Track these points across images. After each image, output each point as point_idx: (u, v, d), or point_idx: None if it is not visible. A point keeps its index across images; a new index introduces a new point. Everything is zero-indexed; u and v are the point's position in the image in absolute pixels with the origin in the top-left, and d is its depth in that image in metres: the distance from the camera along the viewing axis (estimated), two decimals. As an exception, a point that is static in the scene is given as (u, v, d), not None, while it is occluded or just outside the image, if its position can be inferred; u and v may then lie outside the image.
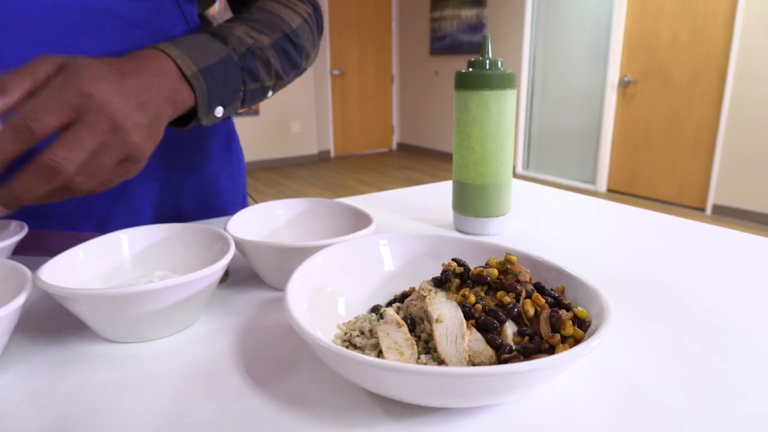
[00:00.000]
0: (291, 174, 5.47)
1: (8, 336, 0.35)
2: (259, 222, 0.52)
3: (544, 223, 0.65)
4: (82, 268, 0.41)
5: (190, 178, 0.66)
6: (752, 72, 3.57)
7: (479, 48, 5.50)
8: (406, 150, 6.74)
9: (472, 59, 0.58)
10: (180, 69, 0.45)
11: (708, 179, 3.96)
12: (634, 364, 0.35)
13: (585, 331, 0.31)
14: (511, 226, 0.64)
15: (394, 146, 6.90)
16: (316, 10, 0.66)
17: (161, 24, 0.56)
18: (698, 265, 0.52)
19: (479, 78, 0.56)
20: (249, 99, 0.54)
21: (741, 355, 0.36)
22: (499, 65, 0.57)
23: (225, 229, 0.46)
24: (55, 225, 0.55)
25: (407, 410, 0.30)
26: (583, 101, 4.70)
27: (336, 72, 6.18)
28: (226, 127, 0.70)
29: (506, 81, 0.57)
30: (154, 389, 0.33)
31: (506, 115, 0.57)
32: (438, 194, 0.80)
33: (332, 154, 6.40)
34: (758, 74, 3.54)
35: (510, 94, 0.57)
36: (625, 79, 4.35)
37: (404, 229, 0.62)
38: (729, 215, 3.83)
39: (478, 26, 5.57)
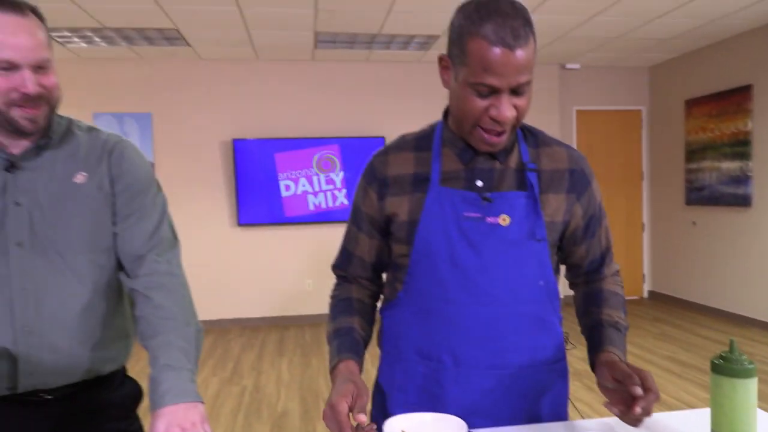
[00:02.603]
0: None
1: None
2: None
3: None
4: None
5: None
6: None
7: (743, 200, 5.27)
8: (659, 299, 6.49)
9: (723, 353, 0.93)
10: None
11: None
12: None
13: None
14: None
15: (645, 294, 6.71)
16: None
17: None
18: None
19: (729, 369, 0.91)
20: None
21: None
22: (744, 362, 0.91)
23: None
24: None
25: None
26: None
27: (584, 221, 6.47)
28: None
29: (749, 372, 0.91)
30: None
31: (750, 396, 0.90)
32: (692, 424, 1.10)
33: (578, 298, 6.51)
34: None
35: (752, 381, 0.90)
36: None
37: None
38: None
39: (742, 179, 5.38)
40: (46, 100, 1.00)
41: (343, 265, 1.18)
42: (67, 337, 1.04)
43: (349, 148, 5.58)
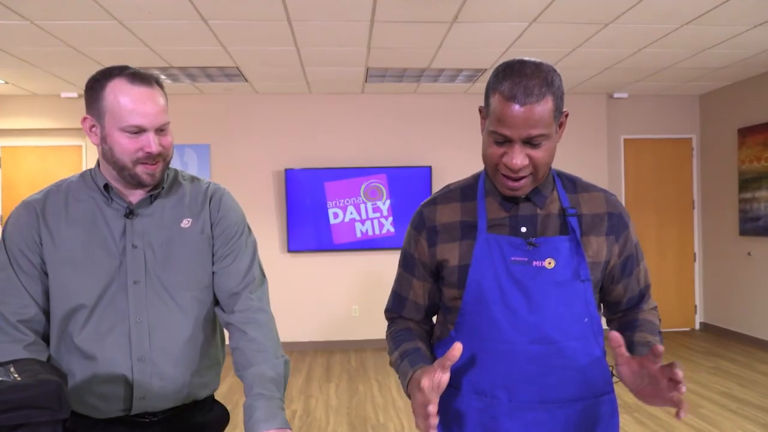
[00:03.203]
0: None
1: None
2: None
3: None
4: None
5: None
6: None
7: (803, 232, 5.09)
8: (712, 332, 6.29)
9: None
10: None
11: None
12: None
13: None
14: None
15: (697, 326, 6.51)
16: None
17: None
18: None
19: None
20: None
21: None
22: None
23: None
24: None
25: None
26: None
27: (633, 250, 6.36)
28: None
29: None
30: None
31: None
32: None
33: (627, 329, 6.37)
34: None
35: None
36: None
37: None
38: None
39: (800, 209, 5.22)
40: (163, 157, 1.15)
41: (396, 309, 1.26)
42: (173, 365, 1.16)
43: (396, 177, 5.71)
